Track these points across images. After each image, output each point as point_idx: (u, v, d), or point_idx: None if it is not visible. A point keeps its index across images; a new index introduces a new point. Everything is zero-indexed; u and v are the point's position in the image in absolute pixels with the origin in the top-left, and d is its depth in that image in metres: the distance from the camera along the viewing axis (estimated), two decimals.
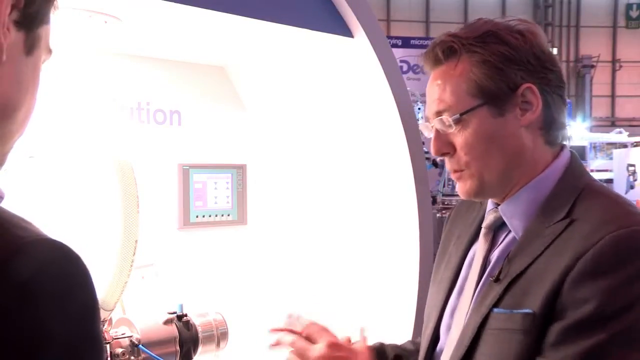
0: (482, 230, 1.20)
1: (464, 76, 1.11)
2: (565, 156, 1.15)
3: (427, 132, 1.19)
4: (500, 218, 1.17)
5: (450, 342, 1.18)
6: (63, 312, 0.62)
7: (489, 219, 1.20)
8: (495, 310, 1.07)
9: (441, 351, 1.21)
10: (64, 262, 0.64)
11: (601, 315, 0.97)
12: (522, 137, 1.12)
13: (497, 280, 1.09)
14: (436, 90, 1.15)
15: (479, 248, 1.20)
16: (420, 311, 2.04)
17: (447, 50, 1.13)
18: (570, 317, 0.98)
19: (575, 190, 1.09)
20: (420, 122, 1.65)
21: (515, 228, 1.14)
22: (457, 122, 1.11)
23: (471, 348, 1.09)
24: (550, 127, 1.14)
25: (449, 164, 1.17)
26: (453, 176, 1.18)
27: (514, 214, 1.14)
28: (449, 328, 1.21)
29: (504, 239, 1.16)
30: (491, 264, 1.15)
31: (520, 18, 1.15)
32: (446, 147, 1.15)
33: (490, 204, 1.22)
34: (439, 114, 1.14)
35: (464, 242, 1.26)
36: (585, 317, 0.97)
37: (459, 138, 1.12)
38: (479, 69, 1.10)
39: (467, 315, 1.14)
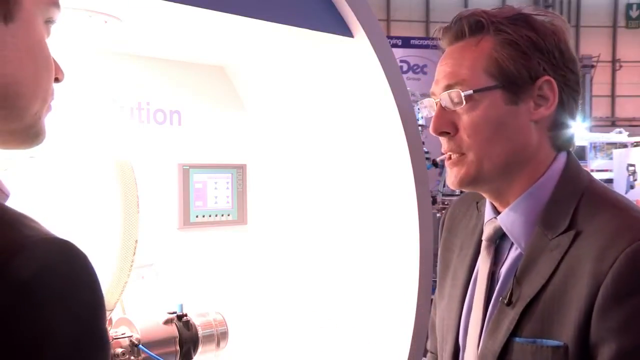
0: (483, 243, 1.15)
1: (486, 53, 1.04)
2: (561, 158, 1.09)
3: (428, 109, 1.12)
4: (500, 229, 1.11)
5: None
6: (68, 311, 0.62)
7: (488, 230, 1.14)
8: (517, 340, 1.01)
9: None
10: (70, 261, 0.64)
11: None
12: (530, 132, 1.06)
13: (509, 303, 1.04)
14: (450, 64, 1.08)
15: (482, 263, 1.14)
16: (420, 311, 2.04)
17: (474, 25, 1.06)
18: (609, 351, 0.93)
19: (575, 196, 1.04)
20: (420, 121, 1.64)
21: (517, 239, 1.08)
22: (468, 99, 1.04)
23: None
24: (559, 130, 1.08)
25: (446, 145, 1.09)
26: (448, 162, 1.10)
27: (514, 224, 1.09)
28: (464, 350, 1.15)
29: (508, 254, 1.11)
30: (499, 283, 1.10)
31: (549, 11, 1.10)
32: (447, 126, 1.07)
33: (488, 213, 1.16)
34: (449, 87, 1.07)
35: (469, 254, 1.20)
36: (625, 348, 0.92)
37: (465, 118, 1.05)
38: (503, 49, 1.04)
39: (481, 340, 1.09)
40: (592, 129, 20.04)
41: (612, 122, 22.33)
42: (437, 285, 1.31)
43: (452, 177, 1.10)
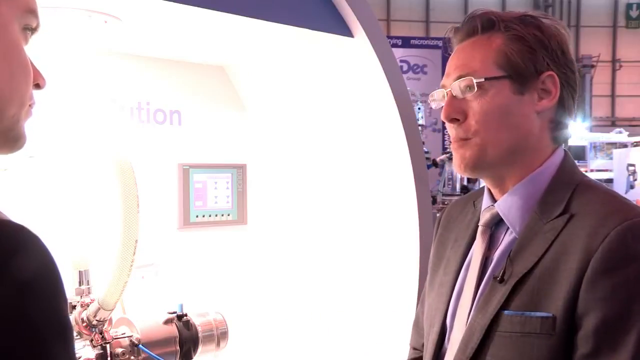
0: (479, 229, 1.20)
1: (496, 48, 1.13)
2: (560, 153, 1.17)
3: (438, 101, 1.19)
4: (497, 215, 1.17)
5: (452, 344, 1.16)
6: (29, 293, 0.61)
7: (485, 217, 1.19)
8: (506, 312, 1.05)
9: (444, 354, 1.19)
10: (26, 243, 0.63)
11: (626, 313, 0.96)
12: (533, 122, 1.13)
13: (501, 280, 1.08)
14: (462, 58, 1.16)
15: (477, 247, 1.19)
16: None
17: (485, 23, 1.15)
18: (594, 320, 0.97)
19: (570, 186, 1.11)
20: (420, 121, 1.65)
21: (513, 223, 1.14)
22: (479, 86, 1.11)
23: (479, 351, 1.08)
24: (559, 123, 1.16)
25: (455, 132, 1.15)
26: (454, 145, 1.16)
27: (510, 209, 1.14)
28: (451, 330, 1.19)
29: (503, 239, 1.16)
30: (492, 264, 1.14)
31: (553, 18, 1.18)
32: (457, 113, 1.14)
33: (485, 201, 1.21)
34: (460, 77, 1.14)
35: (463, 244, 1.24)
36: (610, 317, 0.97)
37: (475, 104, 1.12)
38: (512, 44, 1.12)
39: (470, 317, 1.13)
40: (592, 129, 20.04)
41: (612, 122, 22.34)
42: (427, 282, 1.35)
43: (457, 160, 1.16)
